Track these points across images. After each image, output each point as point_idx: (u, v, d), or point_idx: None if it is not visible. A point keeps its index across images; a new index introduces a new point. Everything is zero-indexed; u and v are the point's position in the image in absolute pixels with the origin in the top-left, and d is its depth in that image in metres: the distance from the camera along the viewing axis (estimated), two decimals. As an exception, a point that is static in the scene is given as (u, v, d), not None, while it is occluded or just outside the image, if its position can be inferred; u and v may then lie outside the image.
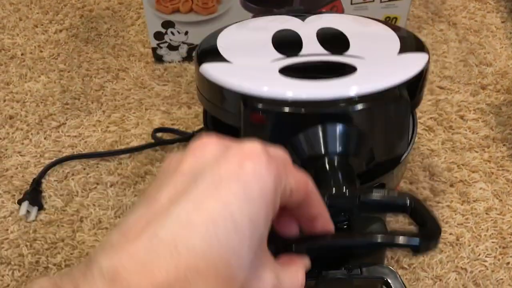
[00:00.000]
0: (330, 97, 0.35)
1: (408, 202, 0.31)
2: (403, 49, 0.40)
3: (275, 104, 0.34)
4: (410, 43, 0.42)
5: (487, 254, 0.54)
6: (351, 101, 0.35)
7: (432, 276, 0.52)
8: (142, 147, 0.64)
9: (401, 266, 0.53)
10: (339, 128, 0.35)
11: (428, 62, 0.40)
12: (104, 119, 0.68)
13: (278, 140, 0.34)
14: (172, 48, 0.75)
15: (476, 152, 0.63)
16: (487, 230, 0.56)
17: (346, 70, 0.37)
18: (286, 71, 0.36)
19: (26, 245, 0.55)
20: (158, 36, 0.73)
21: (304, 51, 0.39)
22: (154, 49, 0.75)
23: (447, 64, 0.75)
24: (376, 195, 0.31)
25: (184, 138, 0.65)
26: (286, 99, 0.35)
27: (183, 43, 0.74)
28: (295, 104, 0.34)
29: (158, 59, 0.76)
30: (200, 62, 0.40)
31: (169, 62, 0.76)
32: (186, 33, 0.73)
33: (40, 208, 0.58)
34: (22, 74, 0.74)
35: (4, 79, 0.73)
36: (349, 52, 0.39)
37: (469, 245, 0.54)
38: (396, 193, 0.32)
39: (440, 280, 0.52)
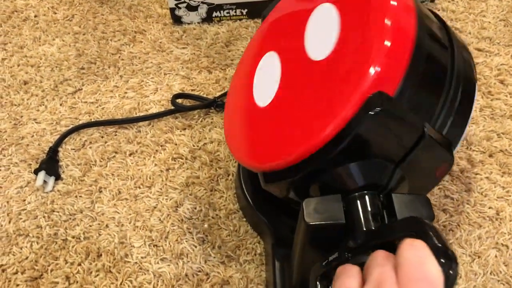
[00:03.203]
0: None
1: None
2: None
3: None
4: None
5: (530, 230, 0.50)
6: None
7: (470, 253, 0.49)
8: (162, 114, 0.61)
9: (437, 241, 0.50)
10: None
11: None
12: (121, 85, 0.65)
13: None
14: (191, 8, 0.70)
15: (518, 119, 0.59)
16: (529, 204, 0.52)
17: None
18: None
19: (44, 217, 0.53)
20: (177, -5, 0.69)
21: None
22: (172, 10, 0.71)
23: (486, 24, 0.70)
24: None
25: (205, 105, 0.61)
26: None
27: (203, 2, 0.70)
28: None
29: (177, 20, 0.72)
30: None
31: (188, 24, 0.72)
32: (206, -8, 0.69)
33: (57, 178, 0.56)
34: (36, 37, 0.71)
35: (18, 43, 0.70)
36: None
37: (510, 220, 0.51)
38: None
39: (479, 257, 0.49)
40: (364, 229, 0.33)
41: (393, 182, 0.35)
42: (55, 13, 0.74)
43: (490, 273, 0.48)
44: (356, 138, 0.32)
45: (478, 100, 0.61)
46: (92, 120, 0.61)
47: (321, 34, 0.38)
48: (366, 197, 0.34)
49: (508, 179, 0.54)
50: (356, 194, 0.34)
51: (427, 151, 0.34)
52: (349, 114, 0.32)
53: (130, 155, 0.58)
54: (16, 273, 0.49)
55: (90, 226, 0.52)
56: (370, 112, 0.31)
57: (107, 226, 0.52)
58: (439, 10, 0.71)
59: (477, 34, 0.68)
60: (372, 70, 0.32)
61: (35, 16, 0.74)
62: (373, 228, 0.32)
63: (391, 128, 0.33)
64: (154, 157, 0.57)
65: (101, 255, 0.50)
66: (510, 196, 0.53)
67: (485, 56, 0.66)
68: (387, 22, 0.33)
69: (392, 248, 0.29)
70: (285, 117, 0.37)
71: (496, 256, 0.49)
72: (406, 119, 0.33)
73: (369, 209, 0.34)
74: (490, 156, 0.56)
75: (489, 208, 0.52)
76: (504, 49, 0.67)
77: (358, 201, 0.34)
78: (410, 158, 0.34)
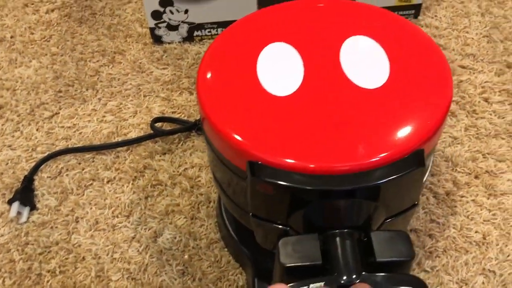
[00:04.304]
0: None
1: None
2: None
3: None
4: None
5: (517, 255, 0.49)
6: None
7: (457, 280, 0.48)
8: (141, 138, 0.59)
9: (423, 269, 0.49)
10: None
11: None
12: (100, 108, 0.63)
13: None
14: (171, 28, 0.69)
15: (503, 139, 0.58)
16: (516, 227, 0.51)
17: None
18: None
19: (18, 250, 0.51)
20: (156, 15, 0.68)
21: None
22: (152, 29, 0.69)
23: (469, 41, 0.69)
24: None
25: (186, 128, 0.60)
26: None
27: (183, 22, 0.69)
28: None
29: (157, 40, 0.70)
30: None
31: (169, 43, 0.71)
32: (186, 11, 0.67)
33: (32, 208, 0.54)
34: (12, 59, 0.69)
35: (-7, 65, 0.68)
36: None
37: (497, 245, 0.50)
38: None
39: (466, 284, 0.48)
40: (344, 268, 0.32)
41: (373, 224, 0.34)
42: (32, 34, 0.72)
43: (478, 302, 0.47)
44: (393, 181, 0.32)
45: (463, 119, 0.61)
46: (69, 145, 0.59)
47: (366, 64, 0.38)
48: (345, 235, 0.33)
49: (494, 202, 0.53)
50: (336, 231, 0.33)
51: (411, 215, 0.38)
52: (399, 155, 0.33)
53: (108, 182, 0.56)
54: (-12, 311, 0.47)
55: (66, 259, 0.50)
56: (421, 167, 0.33)
57: (83, 258, 0.50)
58: (422, 26, 0.71)
59: (461, 51, 0.68)
60: (433, 129, 0.34)
61: (11, 37, 0.72)
62: (357, 267, 0.31)
63: (414, 187, 0.35)
64: (132, 184, 0.56)
65: (77, 290, 0.48)
66: (496, 219, 0.52)
67: (469, 74, 0.65)
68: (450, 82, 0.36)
69: None
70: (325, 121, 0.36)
71: (483, 283, 0.48)
72: (423, 183, 0.35)
73: (348, 248, 0.32)
74: (476, 177, 0.55)
75: (476, 232, 0.51)
76: (488, 66, 0.66)
77: (337, 239, 0.33)
78: (397, 218, 0.36)
